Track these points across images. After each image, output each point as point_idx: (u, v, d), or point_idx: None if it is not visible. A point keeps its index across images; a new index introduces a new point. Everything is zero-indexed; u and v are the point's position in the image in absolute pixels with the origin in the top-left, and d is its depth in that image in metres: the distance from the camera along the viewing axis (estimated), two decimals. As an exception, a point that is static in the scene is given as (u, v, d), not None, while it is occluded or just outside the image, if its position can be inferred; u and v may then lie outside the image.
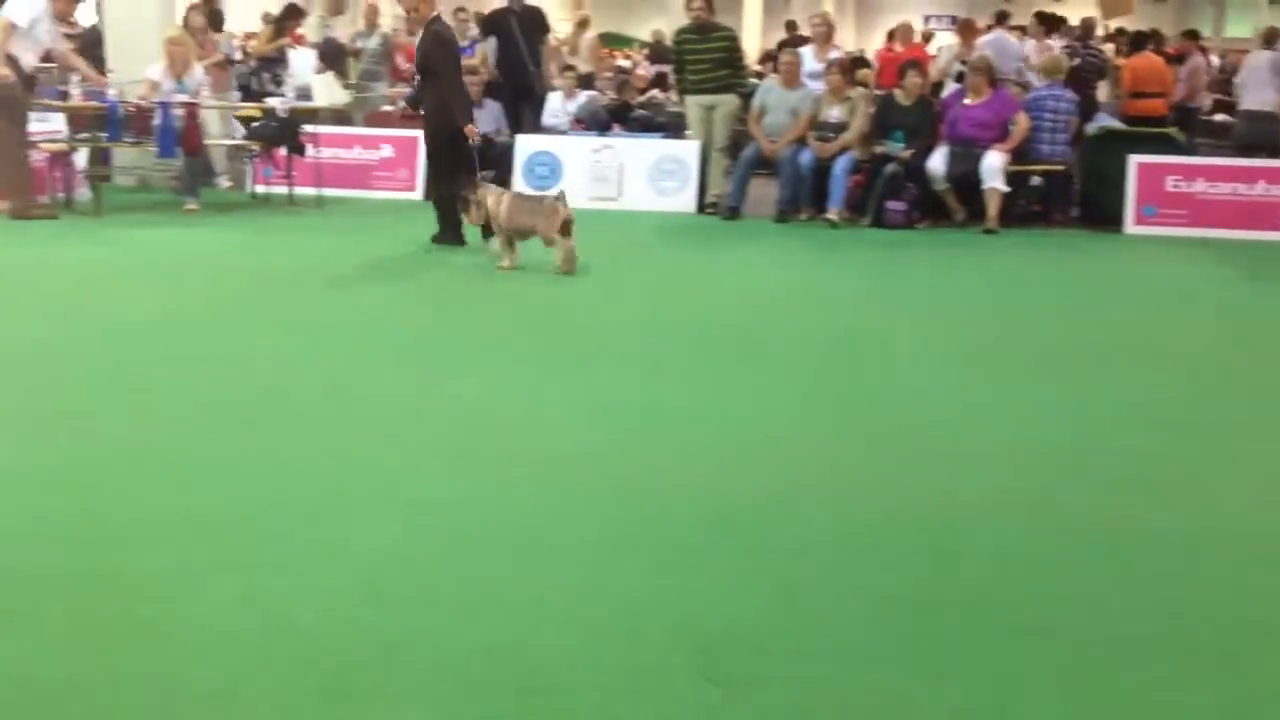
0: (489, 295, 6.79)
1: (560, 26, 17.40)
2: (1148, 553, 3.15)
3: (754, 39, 26.16)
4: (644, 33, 25.46)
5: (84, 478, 3.47)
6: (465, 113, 8.76)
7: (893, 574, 2.94)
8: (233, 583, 2.76)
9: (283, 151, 10.66)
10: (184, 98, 9.75)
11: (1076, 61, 12.11)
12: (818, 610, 2.72)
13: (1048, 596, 2.83)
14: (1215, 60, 17.80)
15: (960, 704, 2.33)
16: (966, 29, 12.92)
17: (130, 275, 7.09)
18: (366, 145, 11.61)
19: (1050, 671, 2.46)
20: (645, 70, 17.60)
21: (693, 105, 11.16)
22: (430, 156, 8.91)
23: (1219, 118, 13.52)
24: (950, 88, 11.60)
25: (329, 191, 10.84)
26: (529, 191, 9.88)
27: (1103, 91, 13.01)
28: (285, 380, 4.68)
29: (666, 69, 14.48)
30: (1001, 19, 14.19)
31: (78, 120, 9.94)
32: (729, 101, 11.04)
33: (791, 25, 17.62)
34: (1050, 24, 13.82)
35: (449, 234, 8.54)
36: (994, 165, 9.96)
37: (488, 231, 8.02)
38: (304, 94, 11.67)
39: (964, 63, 11.45)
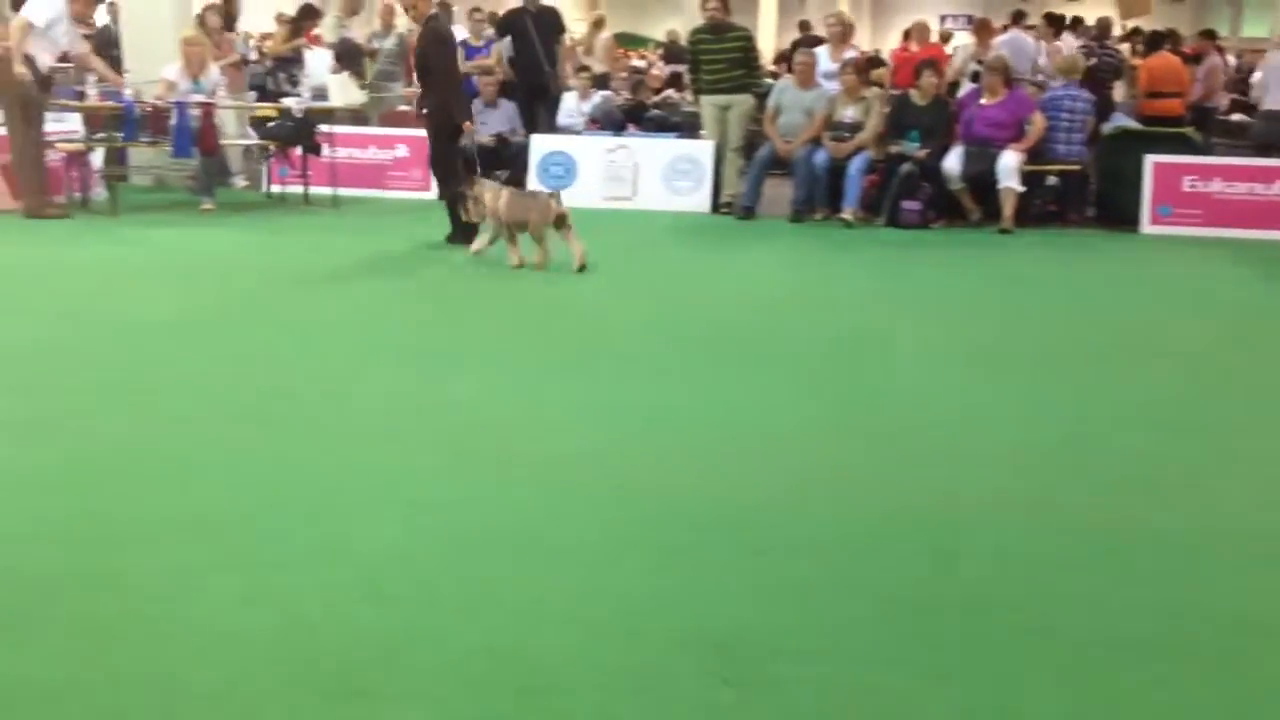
0: (499, 295, 6.79)
1: (575, 26, 17.42)
2: (1148, 553, 3.14)
3: (769, 39, 26.13)
4: (659, 33, 25.46)
5: (88, 477, 3.48)
6: (462, 110, 8.80)
7: (896, 573, 2.93)
8: (234, 582, 2.77)
9: (298, 151, 10.71)
10: (200, 98, 9.80)
11: (1093, 61, 12.06)
12: (822, 610, 2.71)
13: (1048, 596, 2.82)
14: (1232, 60, 17.72)
15: (965, 704, 2.33)
16: (983, 29, 12.88)
17: (145, 275, 7.12)
18: (382, 145, 11.65)
19: (1051, 671, 2.46)
20: (660, 70, 17.59)
21: (708, 105, 11.16)
22: (434, 155, 8.92)
23: (1236, 118, 13.44)
24: (966, 87, 11.57)
25: (344, 191, 10.88)
26: (534, 188, 9.92)
27: (1119, 91, 12.95)
28: (292, 380, 4.69)
29: (681, 69, 14.47)
30: (1018, 19, 14.17)
31: (94, 120, 10.00)
32: (744, 101, 11.03)
33: (805, 25, 17.58)
34: (1058, 25, 13.76)
35: (461, 234, 8.55)
36: (1009, 165, 9.93)
37: (468, 237, 8.07)
38: (320, 94, 11.71)
39: (980, 62, 11.42)
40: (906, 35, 14.00)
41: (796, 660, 2.47)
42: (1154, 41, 12.73)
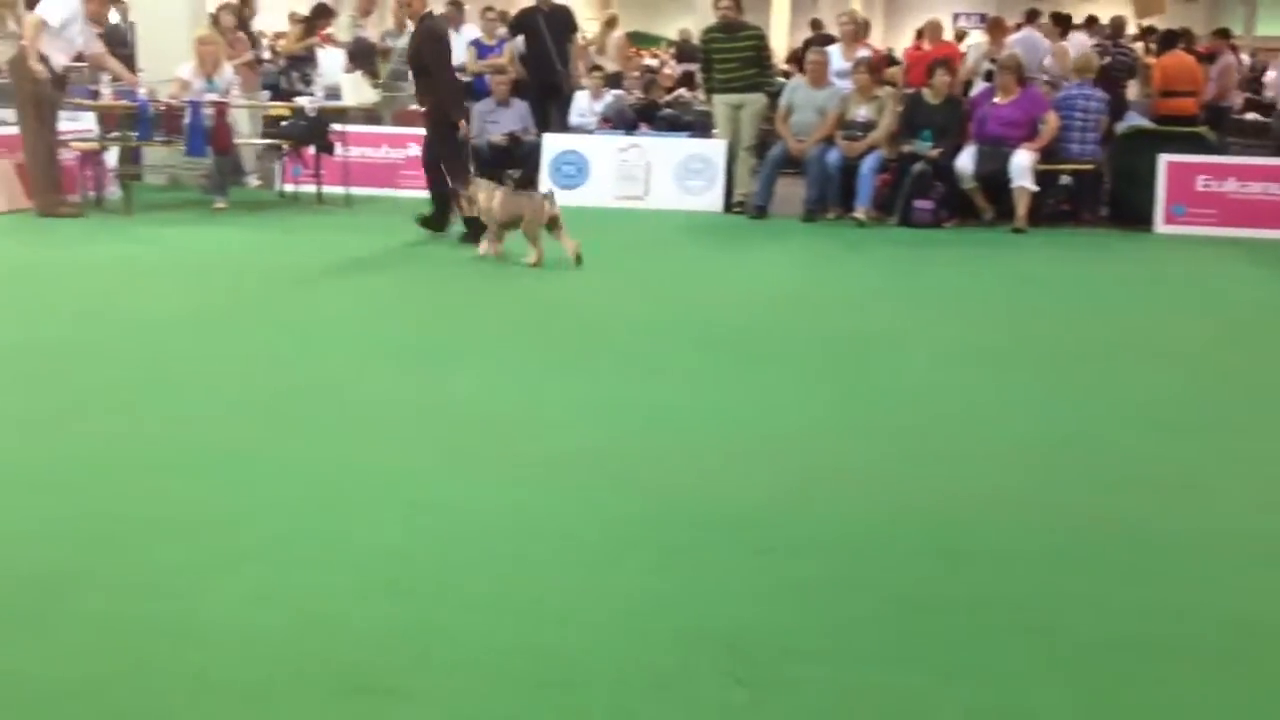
0: (510, 294, 6.80)
1: (588, 26, 17.42)
2: (1149, 552, 3.15)
3: (782, 38, 26.09)
4: (671, 31, 25.42)
5: (100, 475, 3.50)
6: (459, 108, 8.84)
7: (902, 572, 2.94)
8: (246, 580, 2.78)
9: (311, 150, 10.72)
10: (214, 97, 9.81)
11: (1107, 60, 12.02)
12: (830, 609, 2.72)
13: (1052, 595, 2.84)
14: (1246, 59, 17.67)
15: (974, 702, 2.34)
16: (996, 27, 12.84)
17: (159, 274, 7.14)
18: (394, 144, 11.65)
19: (1056, 670, 2.47)
20: (672, 69, 17.57)
21: (720, 104, 11.14)
22: (436, 153, 8.95)
23: (1250, 117, 13.40)
24: (979, 86, 11.54)
25: (357, 190, 10.89)
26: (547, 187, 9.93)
27: (1133, 90, 12.91)
28: (302, 378, 4.70)
29: (694, 68, 14.46)
30: (1032, 17, 14.08)
31: (108, 119, 10.02)
32: (756, 100, 11.01)
33: (817, 24, 17.57)
34: (1065, 24, 13.70)
35: (436, 221, 8.76)
36: (1023, 164, 9.91)
37: (473, 236, 8.17)
38: (333, 93, 11.72)
39: (993, 61, 11.39)
40: (919, 34, 13.93)
41: (808, 660, 2.48)
42: (1168, 40, 12.70)
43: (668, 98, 14.89)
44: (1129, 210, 10.53)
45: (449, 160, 8.85)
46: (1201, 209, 10.35)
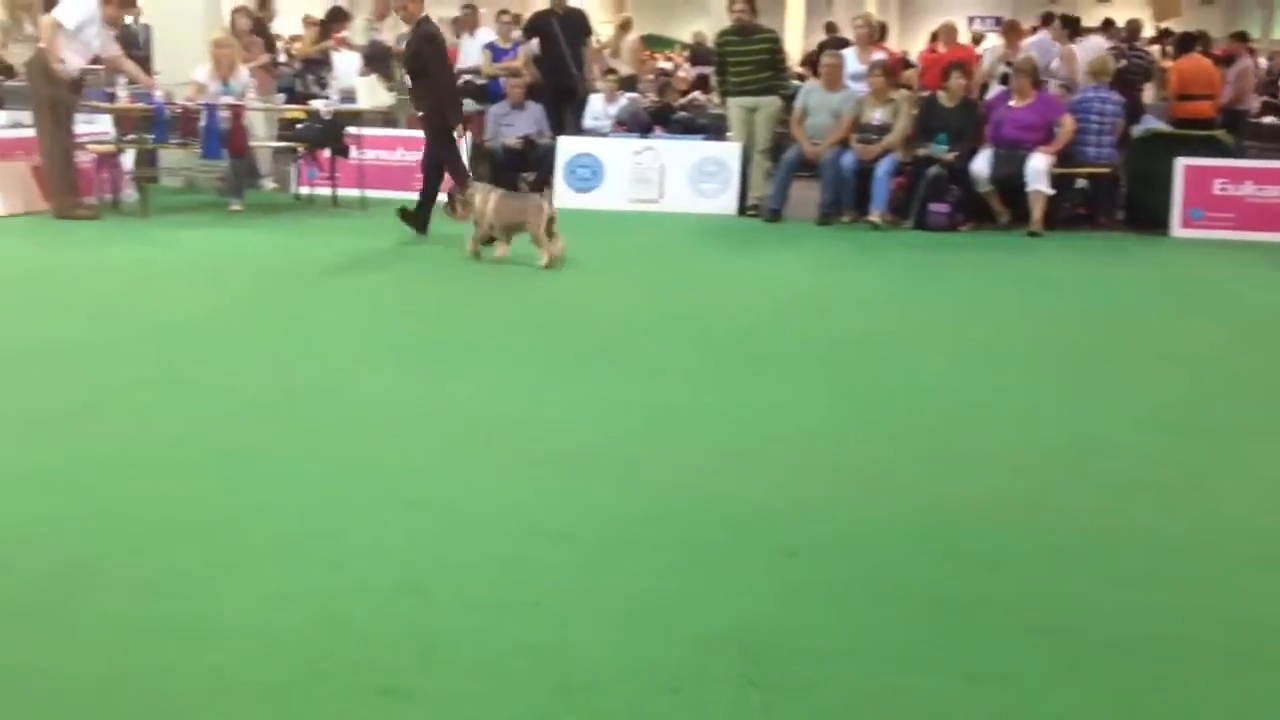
0: (519, 296, 6.80)
1: (602, 28, 17.43)
2: (1162, 555, 3.14)
3: (796, 41, 26.08)
4: (685, 35, 25.46)
5: (114, 476, 3.50)
6: (456, 111, 8.91)
7: (911, 574, 2.93)
8: (261, 581, 2.78)
9: (326, 153, 10.74)
10: (230, 100, 9.84)
11: (1123, 63, 11.98)
12: (846, 611, 2.71)
13: (1064, 597, 2.82)
14: (1264, 62, 17.58)
15: (994, 705, 2.33)
16: (1011, 30, 12.81)
17: (175, 276, 7.17)
18: (409, 147, 11.65)
19: (1076, 673, 2.45)
20: (687, 72, 17.60)
21: (734, 107, 11.13)
22: (436, 155, 9.01)
23: (1267, 120, 13.34)
24: (995, 89, 11.51)
25: (372, 193, 10.90)
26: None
27: (1149, 93, 12.85)
28: (316, 379, 4.71)
29: (708, 71, 14.46)
30: (1048, 21, 14.04)
31: (125, 122, 10.06)
32: (771, 103, 11.00)
33: (831, 27, 17.53)
34: (1074, 27, 13.63)
35: (418, 217, 8.85)
36: (1038, 167, 9.87)
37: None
38: (348, 96, 11.75)
39: (1009, 64, 11.36)
40: (934, 37, 13.91)
41: (821, 661, 2.47)
42: (1185, 43, 12.64)
43: (682, 101, 14.90)
44: (1145, 214, 10.48)
45: (451, 163, 8.90)
46: (1219, 213, 10.31)
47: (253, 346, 5.31)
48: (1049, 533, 3.24)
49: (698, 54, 18.57)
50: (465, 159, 9.57)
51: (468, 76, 12.92)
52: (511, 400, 4.48)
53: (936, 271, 8.18)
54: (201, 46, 10.36)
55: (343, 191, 10.87)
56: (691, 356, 5.28)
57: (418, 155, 11.43)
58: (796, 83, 12.58)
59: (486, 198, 7.80)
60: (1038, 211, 9.93)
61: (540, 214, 7.57)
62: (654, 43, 24.24)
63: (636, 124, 12.54)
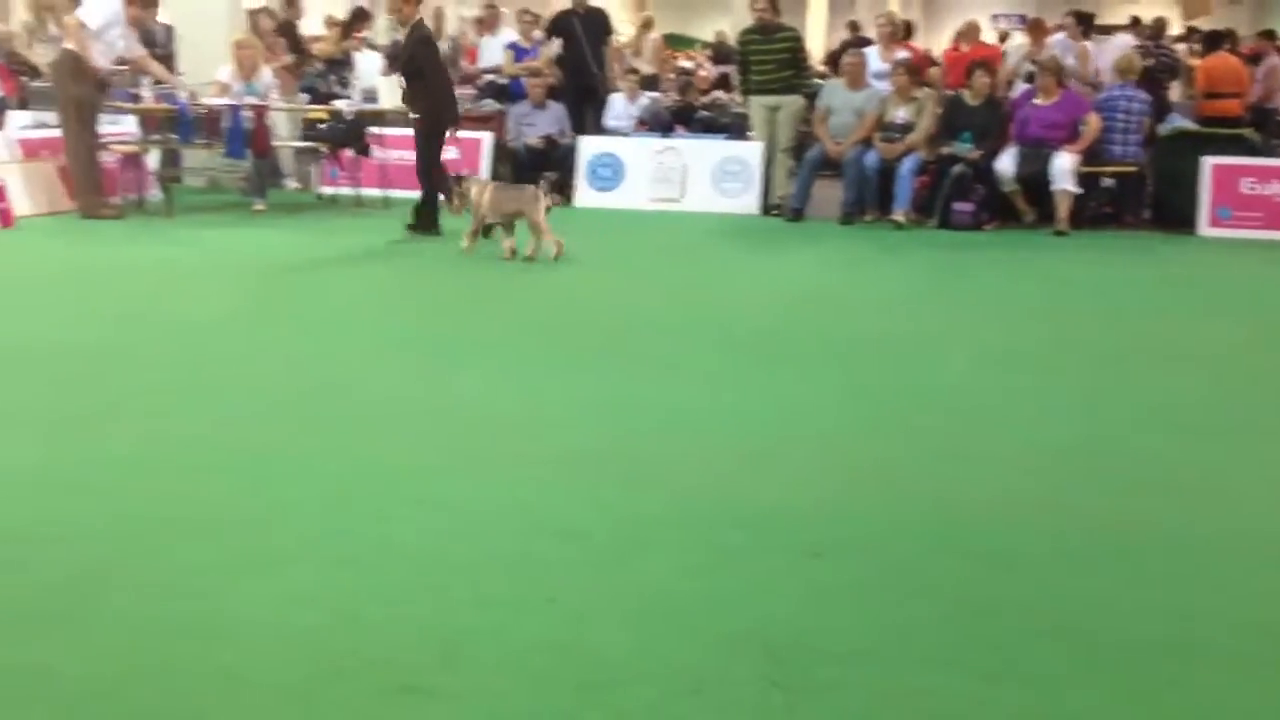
0: (538, 294, 6.79)
1: (624, 28, 17.40)
2: (1180, 555, 3.11)
3: (819, 39, 26.01)
4: (707, 33, 25.38)
5: (133, 475, 3.50)
6: (452, 113, 8.98)
7: (932, 575, 2.90)
8: (290, 579, 2.77)
9: (349, 153, 10.77)
10: (253, 100, 9.87)
11: (1149, 61, 11.88)
12: (869, 612, 2.69)
13: (1083, 598, 2.79)
14: (1292, 60, 17.37)
15: (1017, 705, 2.30)
16: (1036, 29, 12.73)
17: (199, 275, 7.19)
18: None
19: (1095, 673, 2.43)
20: (708, 71, 17.53)
21: (756, 106, 11.11)
22: (422, 157, 9.03)
23: (1296, 119, 13.19)
24: (1020, 88, 11.44)
25: (395, 193, 10.92)
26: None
27: (1175, 91, 12.75)
28: (336, 378, 4.70)
29: (730, 70, 14.42)
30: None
31: (149, 122, 10.11)
32: (793, 102, 10.97)
33: (854, 25, 17.46)
34: (1087, 24, 13.52)
35: (424, 224, 8.88)
36: (1064, 166, 9.81)
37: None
38: (370, 96, 11.77)
39: (1034, 63, 11.29)
40: (957, 36, 13.84)
41: (843, 662, 2.45)
42: (1212, 41, 12.53)
43: (704, 100, 14.84)
44: (1172, 213, 10.41)
45: (435, 169, 8.98)
46: (1246, 212, 10.22)
47: (272, 345, 5.32)
48: (1065, 533, 3.22)
49: (719, 53, 18.52)
50: (486, 160, 9.63)
51: (489, 76, 12.94)
52: (527, 398, 4.47)
53: (960, 271, 8.13)
54: (225, 47, 10.42)
55: (365, 191, 10.90)
56: (710, 355, 5.27)
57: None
58: (818, 81, 12.53)
59: (482, 190, 7.92)
60: (1063, 210, 9.87)
61: (537, 202, 7.65)
62: (676, 42, 24.18)
63: (658, 123, 12.52)
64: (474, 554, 2.95)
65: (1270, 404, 4.79)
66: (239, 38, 10.42)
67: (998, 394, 4.78)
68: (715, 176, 11.20)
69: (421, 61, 8.83)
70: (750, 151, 11.18)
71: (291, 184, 11.93)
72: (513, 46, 12.77)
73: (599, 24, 12.02)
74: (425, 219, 8.91)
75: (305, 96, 12.18)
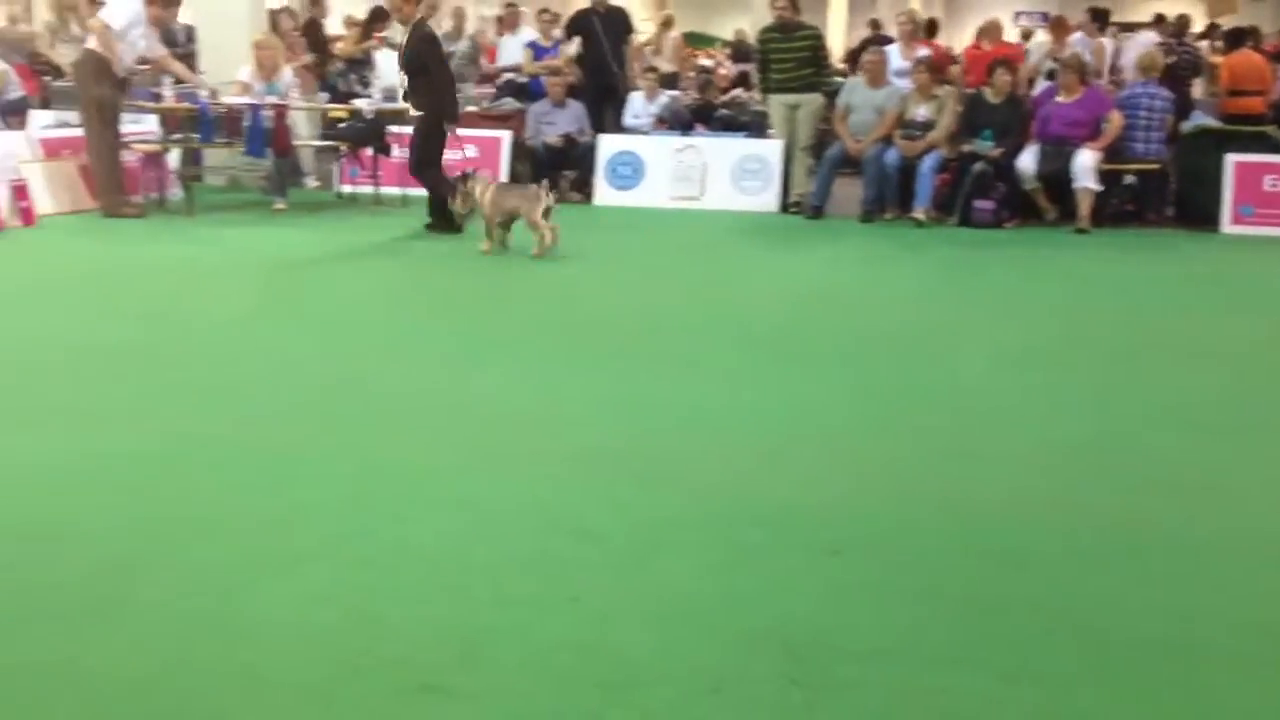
0: (555, 292, 6.79)
1: (643, 26, 17.40)
2: (1191, 555, 3.09)
3: (839, 37, 25.95)
4: (727, 32, 25.37)
5: (162, 474, 3.51)
6: (454, 112, 9.01)
7: (950, 574, 2.90)
8: (314, 579, 2.77)
9: (369, 152, 10.79)
10: (273, 99, 9.90)
11: (1172, 59, 11.81)
12: (887, 610, 2.68)
13: (1097, 597, 2.78)
14: (1317, 57, 17.25)
15: (1035, 704, 2.30)
16: (1058, 26, 12.67)
17: (220, 274, 7.22)
18: (452, 145, 11.66)
19: (1108, 672, 2.42)
20: (728, 69, 17.52)
21: (776, 104, 11.08)
22: (422, 155, 9.04)
23: (1320, 116, 13.08)
24: (1042, 85, 11.39)
25: (414, 192, 10.93)
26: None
27: (1198, 89, 12.67)
28: (357, 376, 4.70)
29: (750, 68, 14.39)
30: (1095, 18, 13.88)
31: (171, 121, 10.16)
32: (813, 100, 10.94)
33: (875, 24, 17.44)
34: (1103, 20, 13.44)
35: (442, 222, 8.89)
36: (1086, 164, 9.76)
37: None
38: (390, 95, 11.79)
39: (1056, 60, 11.23)
40: (979, 34, 13.79)
41: (863, 661, 2.44)
42: (1235, 38, 12.45)
43: (723, 98, 14.84)
44: (1195, 210, 10.34)
45: (434, 167, 8.99)
46: (1269, 209, 10.14)
47: (292, 343, 5.34)
48: (1077, 531, 3.20)
49: (739, 51, 18.50)
50: (505, 159, 9.63)
51: (509, 75, 12.96)
52: (546, 395, 4.47)
53: (980, 269, 8.10)
54: (245, 47, 10.45)
55: (385, 190, 10.91)
56: (729, 353, 5.26)
57: (459, 154, 11.50)
58: (839, 79, 12.50)
59: (485, 189, 7.99)
60: (1085, 208, 9.81)
61: (537, 201, 7.69)
62: (695, 40, 24.16)
63: (678, 121, 12.51)
64: (493, 553, 2.95)
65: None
66: (259, 38, 10.45)
67: (1015, 392, 4.76)
68: (735, 175, 11.19)
69: (426, 59, 8.87)
70: (770, 149, 11.16)
71: (312, 183, 11.97)
72: (532, 45, 12.78)
73: (619, 22, 12.01)
74: (442, 217, 8.91)
75: (325, 95, 12.23)
